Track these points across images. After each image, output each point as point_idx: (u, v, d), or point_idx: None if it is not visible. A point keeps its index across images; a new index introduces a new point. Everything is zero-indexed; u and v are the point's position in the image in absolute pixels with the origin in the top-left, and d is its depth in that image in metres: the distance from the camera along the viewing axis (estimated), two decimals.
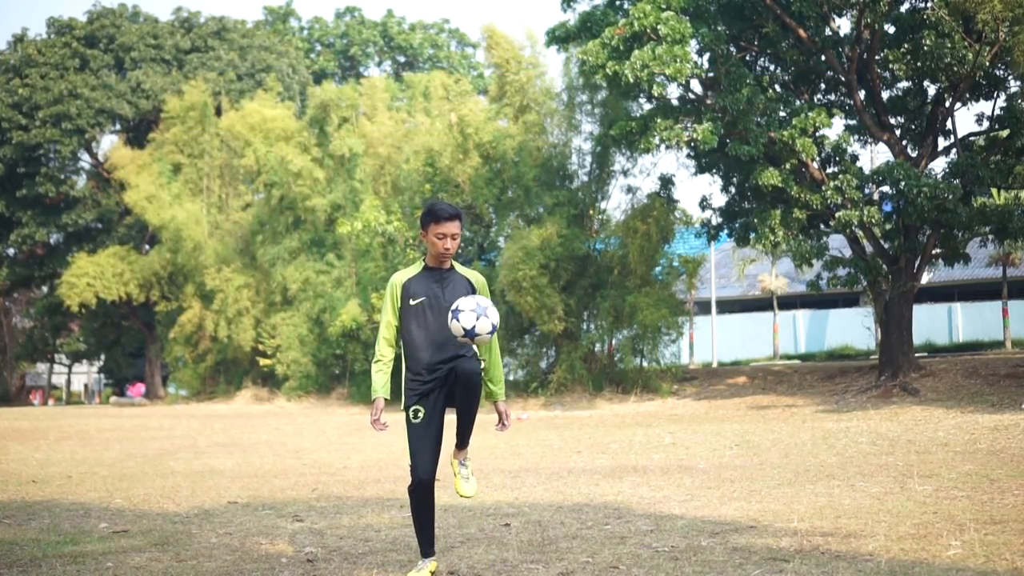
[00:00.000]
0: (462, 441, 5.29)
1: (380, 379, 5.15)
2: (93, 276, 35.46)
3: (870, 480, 8.54)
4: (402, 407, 5.14)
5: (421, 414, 5.07)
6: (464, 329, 4.81)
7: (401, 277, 5.19)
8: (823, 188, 18.51)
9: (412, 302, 5.11)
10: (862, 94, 19.40)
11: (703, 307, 35.61)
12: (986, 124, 19.30)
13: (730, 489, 8.34)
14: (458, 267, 5.25)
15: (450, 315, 4.87)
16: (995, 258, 28.87)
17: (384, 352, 5.18)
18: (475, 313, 4.82)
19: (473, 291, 5.16)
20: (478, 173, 24.89)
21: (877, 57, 18.96)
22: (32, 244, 39.32)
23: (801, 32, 18.79)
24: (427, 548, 5.23)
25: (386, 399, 5.17)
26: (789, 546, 5.71)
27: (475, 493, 5.39)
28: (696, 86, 20.17)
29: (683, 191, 40.67)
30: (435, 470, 5.13)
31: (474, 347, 5.08)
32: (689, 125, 19.00)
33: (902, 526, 6.20)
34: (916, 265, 19.29)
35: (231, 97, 37.55)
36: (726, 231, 21.80)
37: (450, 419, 5.08)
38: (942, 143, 19.76)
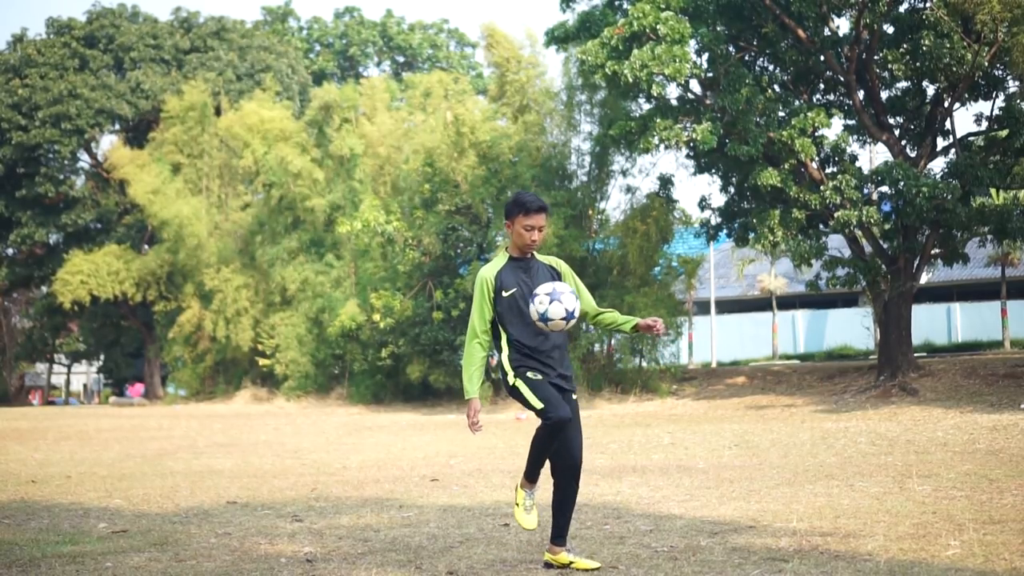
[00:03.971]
0: (562, 531, 5.32)
1: (477, 379, 5.16)
2: (87, 274, 35.37)
3: (869, 480, 8.54)
4: (510, 380, 5.14)
5: (540, 375, 5.11)
6: (537, 313, 4.96)
7: (491, 271, 5.23)
8: (822, 188, 18.52)
9: (505, 294, 5.17)
10: (861, 94, 19.41)
11: (702, 307, 35.62)
12: (985, 124, 19.31)
13: (729, 489, 8.34)
14: (539, 256, 5.34)
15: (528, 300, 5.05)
16: (994, 258, 28.90)
17: (475, 351, 5.16)
18: (549, 297, 4.96)
19: (558, 277, 5.27)
20: (475, 172, 24.90)
21: (876, 57, 18.97)
22: (31, 244, 39.27)
23: (800, 32, 18.80)
24: (536, 476, 5.25)
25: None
26: (788, 546, 5.71)
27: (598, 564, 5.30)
28: (695, 86, 20.18)
29: (682, 191, 40.83)
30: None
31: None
32: (688, 125, 19.01)
33: (901, 526, 6.20)
34: (915, 265, 19.30)
35: (230, 97, 37.52)
36: (725, 231, 21.80)
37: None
38: (941, 143, 19.78)
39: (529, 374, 5.11)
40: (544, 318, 4.96)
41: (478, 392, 5.17)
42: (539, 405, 5.05)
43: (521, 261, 5.26)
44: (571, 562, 5.30)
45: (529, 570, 5.35)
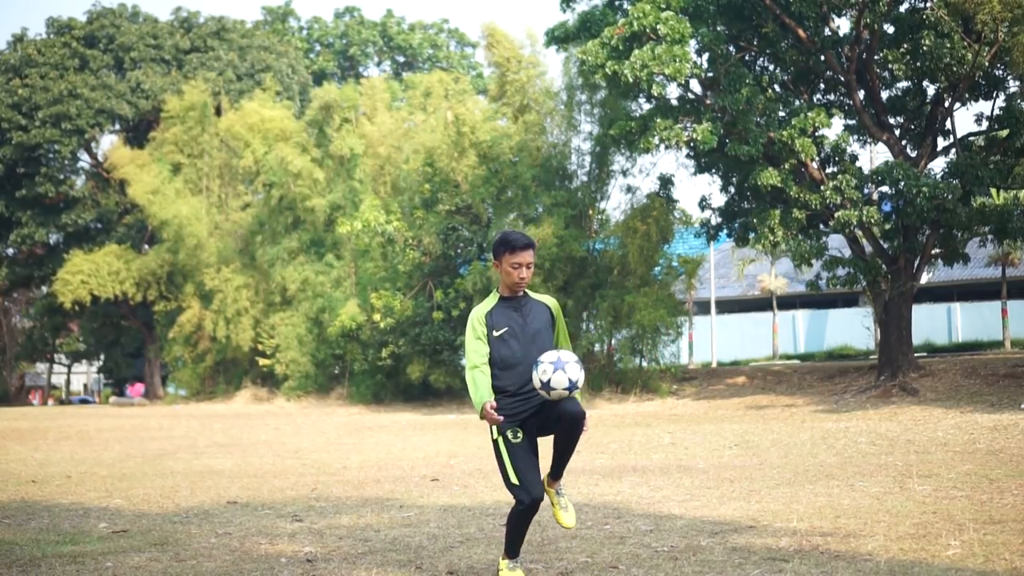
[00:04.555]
0: (557, 472, 5.25)
1: (485, 391, 5.00)
2: (88, 274, 35.37)
3: (869, 480, 8.54)
4: (493, 434, 5.04)
5: (521, 434, 5.02)
6: (540, 381, 4.82)
7: (481, 310, 5.13)
8: (822, 188, 18.52)
9: (495, 333, 5.07)
10: (861, 94, 19.41)
11: (702, 307, 35.62)
12: (985, 124, 19.32)
13: (729, 489, 8.34)
14: (531, 294, 5.26)
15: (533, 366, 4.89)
16: (994, 258, 28.89)
17: (477, 377, 5.04)
18: (553, 366, 4.81)
19: (551, 316, 5.18)
20: (475, 172, 24.90)
21: (876, 57, 18.97)
22: (31, 244, 39.29)
23: (800, 32, 18.80)
24: (516, 551, 5.16)
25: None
26: (788, 546, 5.72)
27: (575, 524, 5.33)
28: (695, 86, 20.18)
29: (682, 191, 40.80)
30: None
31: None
32: (688, 125, 19.01)
33: (901, 526, 6.20)
34: (915, 265, 19.31)
35: (231, 97, 37.54)
36: (725, 231, 21.81)
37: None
38: (941, 143, 19.78)
39: (510, 433, 5.01)
40: (547, 387, 4.82)
41: (489, 395, 5.02)
42: (515, 481, 4.99)
43: (512, 300, 5.17)
44: (553, 503, 5.22)
45: (529, 570, 5.34)
